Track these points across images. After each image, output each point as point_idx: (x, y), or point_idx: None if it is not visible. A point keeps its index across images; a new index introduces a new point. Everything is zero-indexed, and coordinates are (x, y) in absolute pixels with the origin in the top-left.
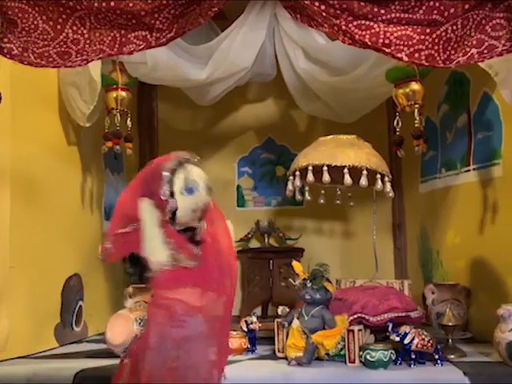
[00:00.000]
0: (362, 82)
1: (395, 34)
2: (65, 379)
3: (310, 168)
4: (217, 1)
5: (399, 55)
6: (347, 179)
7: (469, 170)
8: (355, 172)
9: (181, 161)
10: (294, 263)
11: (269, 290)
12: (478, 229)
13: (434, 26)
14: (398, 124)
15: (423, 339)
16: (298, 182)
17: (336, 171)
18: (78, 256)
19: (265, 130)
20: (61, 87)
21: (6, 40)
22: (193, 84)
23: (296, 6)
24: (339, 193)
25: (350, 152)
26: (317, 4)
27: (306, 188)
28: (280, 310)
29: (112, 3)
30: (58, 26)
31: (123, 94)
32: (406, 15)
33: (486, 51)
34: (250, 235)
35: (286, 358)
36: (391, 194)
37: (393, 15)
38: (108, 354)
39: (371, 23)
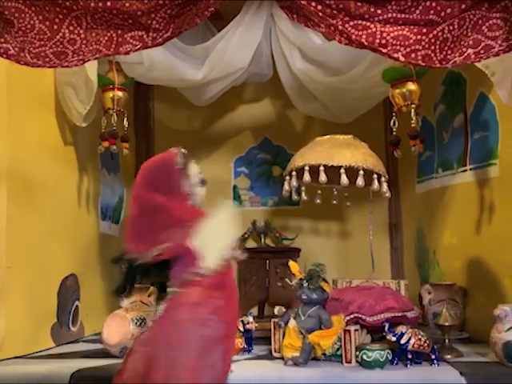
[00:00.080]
0: (358, 82)
1: (392, 34)
2: (61, 379)
3: (307, 168)
4: (213, 1)
5: (396, 55)
6: (344, 179)
7: (465, 170)
8: (352, 172)
9: (185, 155)
10: (291, 263)
11: (265, 290)
12: (474, 229)
13: (431, 26)
14: (394, 124)
15: (420, 339)
16: (294, 182)
17: (332, 171)
18: (75, 256)
19: (261, 130)
20: (57, 87)
21: (2, 40)
22: (189, 84)
23: (292, 6)
24: (336, 193)
25: (346, 152)
26: (313, 4)
27: (303, 188)
28: (276, 310)
29: (108, 3)
30: (55, 26)
31: (120, 94)
32: (403, 15)
33: (482, 51)
34: (246, 235)
35: (282, 357)
36: (388, 194)
37: (389, 15)
38: (104, 353)
39: (368, 23)
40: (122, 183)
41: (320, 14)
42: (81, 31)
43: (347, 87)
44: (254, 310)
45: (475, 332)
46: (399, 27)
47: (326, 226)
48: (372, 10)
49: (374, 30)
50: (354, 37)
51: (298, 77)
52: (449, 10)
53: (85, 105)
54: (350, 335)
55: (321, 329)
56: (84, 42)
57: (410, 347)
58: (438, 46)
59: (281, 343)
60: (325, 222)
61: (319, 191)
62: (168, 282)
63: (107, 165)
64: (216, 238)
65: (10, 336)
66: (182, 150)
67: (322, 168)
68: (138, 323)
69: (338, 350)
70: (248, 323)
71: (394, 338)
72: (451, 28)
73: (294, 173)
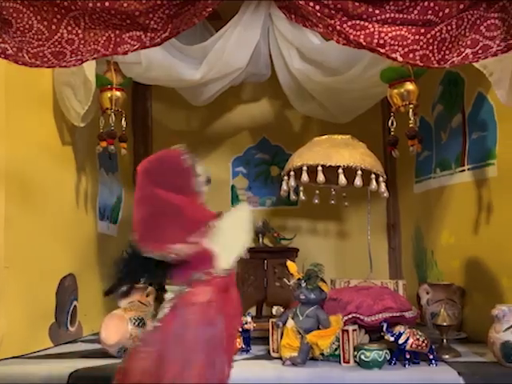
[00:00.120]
0: (356, 83)
1: (390, 35)
2: (59, 379)
3: (305, 168)
4: (211, 1)
5: (394, 55)
6: (342, 179)
7: (463, 170)
8: (350, 172)
9: (191, 154)
10: (289, 263)
11: (263, 290)
12: (472, 229)
13: (429, 26)
14: (392, 124)
15: (418, 339)
16: (292, 182)
17: (331, 171)
18: (73, 256)
19: (259, 130)
20: (55, 87)
21: (0, 40)
22: (187, 84)
23: (290, 6)
24: (334, 193)
25: (344, 152)
26: (311, 4)
27: (301, 188)
28: (274, 310)
29: (106, 3)
30: (53, 26)
31: (118, 94)
32: (401, 15)
33: (480, 51)
34: None
35: (280, 358)
36: (386, 194)
37: (387, 15)
38: (103, 353)
39: (366, 23)
40: (120, 183)
41: (318, 14)
42: (79, 31)
43: (345, 87)
44: (252, 310)
45: (473, 332)
46: (397, 27)
47: (324, 225)
48: (370, 10)
49: (372, 30)
50: (352, 37)
51: (296, 77)
52: (447, 10)
53: (83, 105)
54: (348, 335)
55: (319, 329)
56: (82, 42)
57: (408, 347)
58: (436, 46)
59: (279, 343)
60: (323, 222)
61: (317, 191)
62: (166, 281)
63: (105, 165)
64: (232, 239)
65: (8, 336)
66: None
67: (320, 168)
68: (136, 323)
69: (336, 349)
70: (246, 323)
71: (392, 338)
72: (449, 28)
73: (292, 173)
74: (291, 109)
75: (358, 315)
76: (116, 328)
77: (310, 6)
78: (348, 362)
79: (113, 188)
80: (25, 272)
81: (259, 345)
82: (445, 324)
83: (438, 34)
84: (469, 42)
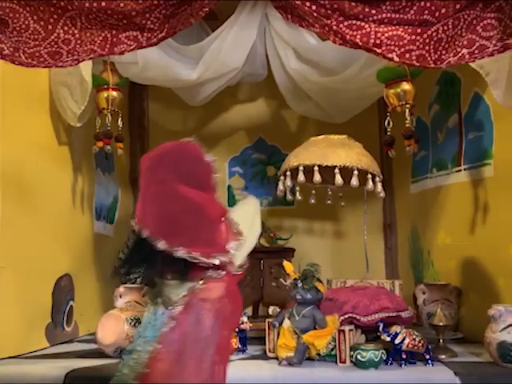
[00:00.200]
0: (353, 83)
1: (386, 35)
2: (56, 379)
3: (301, 168)
4: (208, 1)
5: (390, 55)
6: (338, 179)
7: (460, 170)
8: (346, 172)
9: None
10: (285, 263)
11: (259, 290)
12: (469, 229)
13: (425, 26)
14: (389, 124)
15: (414, 339)
16: (288, 182)
17: (327, 171)
18: (69, 256)
19: (256, 130)
20: (52, 87)
21: None
22: (184, 84)
23: (287, 6)
24: (330, 193)
25: (340, 152)
26: (308, 4)
27: (297, 188)
28: (271, 310)
29: (103, 3)
30: (49, 26)
31: (114, 94)
32: (397, 15)
33: (477, 51)
34: None
35: (276, 358)
36: (382, 194)
37: (384, 15)
38: (99, 353)
39: (362, 23)
40: (117, 183)
41: (314, 14)
42: (75, 31)
43: (342, 87)
44: (249, 310)
45: (469, 332)
46: (394, 27)
47: (320, 225)
48: (366, 10)
49: (368, 30)
50: (348, 37)
51: (293, 77)
52: (443, 10)
53: (79, 105)
54: (344, 335)
55: (315, 329)
56: (79, 42)
57: (404, 347)
58: (432, 46)
59: (275, 343)
60: (319, 222)
61: (313, 191)
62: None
63: (102, 165)
64: (244, 236)
65: (4, 336)
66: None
67: (316, 168)
68: (133, 323)
69: (332, 350)
70: (242, 323)
71: (388, 338)
72: (446, 28)
73: (288, 173)
74: (288, 109)
75: (354, 315)
76: (112, 328)
77: (306, 6)
78: (344, 362)
79: (109, 188)
80: (21, 272)
81: (255, 345)
82: (441, 324)
83: (434, 34)
84: (465, 42)
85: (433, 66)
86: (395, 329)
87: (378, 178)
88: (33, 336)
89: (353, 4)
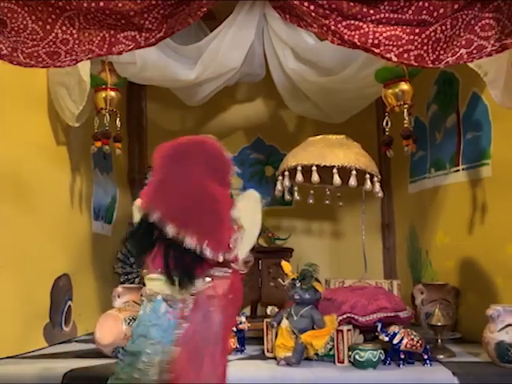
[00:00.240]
0: (351, 83)
1: (384, 35)
2: (54, 379)
3: (299, 168)
4: (206, 1)
5: (388, 55)
6: (336, 179)
7: (458, 170)
8: (344, 172)
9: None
10: (283, 263)
11: (258, 290)
12: (467, 229)
13: (424, 26)
14: (387, 124)
15: (412, 339)
16: (287, 182)
17: (325, 171)
18: (67, 256)
19: (254, 131)
20: (50, 87)
21: None
22: (182, 84)
23: (285, 6)
24: (328, 193)
25: (339, 152)
26: (306, 4)
27: (295, 188)
28: (269, 309)
29: (101, 3)
30: (48, 26)
31: (112, 94)
32: (396, 15)
33: (475, 51)
34: None
35: (275, 358)
36: (380, 194)
37: (382, 15)
38: (97, 353)
39: (360, 23)
40: (115, 183)
41: (312, 14)
42: (73, 31)
43: (340, 87)
44: (247, 310)
45: (468, 332)
46: (392, 27)
47: (318, 225)
48: (365, 10)
49: (366, 30)
50: (346, 37)
51: (291, 77)
52: (441, 10)
53: (77, 105)
54: (342, 335)
55: (313, 329)
56: (77, 42)
57: (402, 347)
58: (430, 46)
59: (273, 343)
60: (317, 221)
61: (312, 191)
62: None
63: (100, 165)
64: (246, 227)
65: (3, 336)
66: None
67: (314, 168)
68: (131, 323)
69: (330, 350)
70: (240, 323)
71: (386, 338)
72: (444, 28)
73: (286, 173)
74: (286, 109)
75: (352, 315)
76: (110, 328)
77: (304, 6)
78: (342, 362)
79: (107, 188)
80: (19, 272)
81: (254, 345)
82: (439, 324)
83: (432, 34)
84: (463, 42)
85: (431, 65)
86: (393, 329)
87: (376, 178)
88: (31, 336)
89: (351, 4)
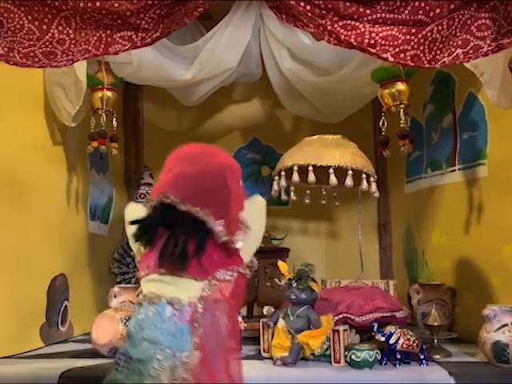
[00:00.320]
0: (347, 83)
1: (380, 35)
2: (50, 379)
3: (296, 168)
4: (202, 1)
5: (385, 55)
6: (332, 179)
7: (454, 170)
8: (341, 172)
9: None
10: (280, 263)
11: (254, 289)
12: (463, 229)
13: (420, 26)
14: (383, 124)
15: (408, 339)
16: (283, 182)
17: (321, 171)
18: (64, 256)
19: (250, 131)
20: (46, 87)
21: None
22: (178, 84)
23: (281, 6)
24: (324, 193)
25: (335, 152)
26: (302, 4)
27: (292, 188)
28: (265, 309)
29: (97, 3)
30: (44, 26)
31: (109, 94)
32: (392, 15)
33: (471, 51)
34: None
35: (271, 358)
36: (377, 194)
37: (378, 15)
38: (93, 353)
39: (357, 23)
40: (111, 183)
41: (309, 14)
42: (70, 31)
43: (336, 87)
44: (243, 310)
45: (464, 332)
46: (388, 27)
47: (314, 225)
48: (361, 10)
49: (362, 30)
50: (342, 37)
51: (287, 77)
52: (438, 10)
53: (74, 105)
54: (338, 335)
55: (310, 329)
56: (73, 42)
57: (398, 347)
58: (426, 46)
59: (270, 343)
60: (314, 221)
61: (308, 191)
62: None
63: (96, 165)
64: (252, 233)
65: None
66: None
67: (310, 168)
68: (128, 323)
69: (326, 350)
70: None
71: (382, 338)
72: (440, 28)
73: (282, 173)
74: (282, 109)
75: (348, 315)
76: (107, 328)
77: (300, 6)
78: (339, 362)
79: (104, 188)
80: (15, 272)
81: (250, 345)
82: (436, 324)
83: (428, 34)
84: (460, 42)
85: (427, 65)
86: (390, 329)
87: (372, 178)
88: (27, 336)
89: (347, 4)
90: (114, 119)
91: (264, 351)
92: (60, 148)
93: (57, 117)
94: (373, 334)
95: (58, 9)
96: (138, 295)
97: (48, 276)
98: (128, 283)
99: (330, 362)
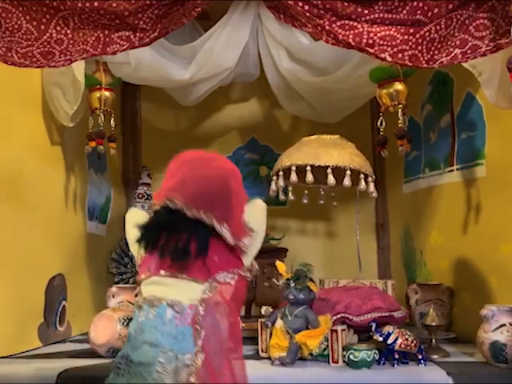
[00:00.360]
0: (345, 82)
1: (379, 34)
2: (48, 379)
3: (294, 168)
4: (200, 1)
5: (383, 55)
6: (330, 179)
7: (452, 170)
8: (339, 172)
9: None
10: (278, 263)
11: (252, 289)
12: (461, 229)
13: (418, 26)
14: (381, 124)
15: (406, 339)
16: (281, 182)
17: (319, 171)
18: (62, 256)
19: (248, 131)
20: (44, 87)
21: None
22: (176, 84)
23: (279, 6)
24: (323, 193)
25: (333, 152)
26: (300, 4)
27: (290, 188)
28: (263, 309)
29: (95, 3)
30: (42, 26)
31: (107, 94)
32: (390, 15)
33: (469, 51)
34: None
35: (269, 358)
36: (375, 194)
37: (376, 15)
38: (91, 353)
39: (355, 23)
40: (109, 183)
41: (307, 13)
42: (68, 31)
43: (334, 87)
44: (241, 310)
45: (462, 332)
46: (386, 27)
47: (312, 225)
48: (359, 10)
49: (360, 29)
50: (341, 37)
51: (285, 77)
52: (436, 10)
53: (72, 105)
54: (336, 335)
55: (308, 329)
56: (71, 42)
57: (396, 347)
58: (424, 46)
59: (268, 343)
60: (312, 221)
61: (306, 191)
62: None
63: (94, 165)
64: (253, 236)
65: None
66: None
67: (308, 168)
68: (126, 323)
69: (324, 349)
70: None
71: (380, 338)
72: (438, 28)
73: (280, 173)
74: (280, 109)
75: (346, 315)
76: (105, 328)
77: (298, 6)
78: (337, 362)
79: (102, 188)
80: (13, 272)
81: (248, 345)
82: (434, 324)
83: (427, 33)
84: (458, 42)
85: (425, 65)
86: (388, 329)
87: (370, 178)
88: (25, 336)
89: (345, 4)
90: (112, 119)
91: (262, 351)
92: (58, 148)
93: (55, 117)
94: (371, 333)
95: (56, 9)
96: (136, 295)
97: (46, 276)
98: (126, 283)
99: (328, 362)
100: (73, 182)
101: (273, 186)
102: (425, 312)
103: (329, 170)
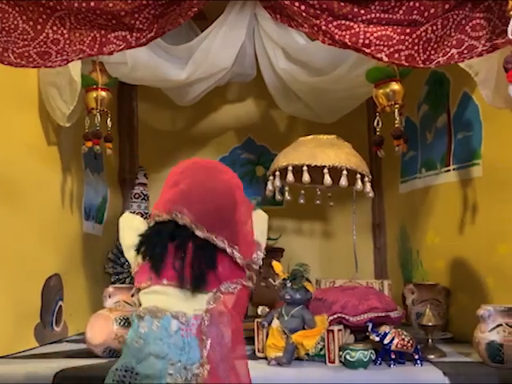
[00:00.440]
0: (342, 83)
1: (375, 35)
2: (44, 379)
3: (290, 168)
4: (197, 1)
5: (379, 55)
6: (327, 179)
7: (449, 170)
8: (335, 172)
9: None
10: (274, 263)
11: None
12: (457, 229)
13: (414, 26)
14: (378, 124)
15: (403, 339)
16: (277, 182)
17: (316, 171)
18: (58, 256)
19: (245, 131)
20: (41, 87)
21: None
22: (173, 84)
23: (276, 6)
24: (319, 193)
25: (329, 152)
26: (297, 4)
27: (286, 188)
28: (260, 310)
29: (92, 3)
30: (38, 26)
31: (103, 94)
32: (386, 15)
33: (465, 51)
34: None
35: (265, 358)
36: (371, 194)
37: (373, 15)
38: (88, 353)
39: (351, 23)
40: (106, 183)
41: (303, 14)
42: (64, 31)
43: (331, 87)
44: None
45: (458, 332)
46: (382, 27)
47: (309, 225)
48: (355, 10)
49: (357, 30)
50: (337, 37)
51: (282, 77)
52: (432, 10)
53: (68, 105)
54: (333, 335)
55: (304, 329)
56: (67, 42)
57: (393, 347)
58: (421, 46)
59: (264, 343)
60: (308, 221)
61: (302, 191)
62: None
63: (91, 165)
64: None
65: None
66: None
67: (305, 168)
68: (122, 323)
69: (321, 350)
70: None
71: (377, 338)
72: (434, 28)
73: (277, 173)
74: (277, 109)
75: (343, 315)
76: (101, 328)
77: (295, 6)
78: (333, 362)
79: (98, 188)
80: (10, 272)
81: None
82: (430, 324)
83: (423, 33)
84: (454, 42)
85: (422, 66)
86: (384, 329)
87: (366, 178)
88: (21, 336)
89: (342, 4)
90: (109, 119)
91: (258, 351)
92: (54, 148)
93: (51, 117)
94: (367, 334)
95: (53, 9)
96: (132, 295)
97: (42, 276)
98: (122, 283)
99: (325, 362)
100: (69, 181)
101: (269, 186)
102: (421, 312)
103: (325, 170)
